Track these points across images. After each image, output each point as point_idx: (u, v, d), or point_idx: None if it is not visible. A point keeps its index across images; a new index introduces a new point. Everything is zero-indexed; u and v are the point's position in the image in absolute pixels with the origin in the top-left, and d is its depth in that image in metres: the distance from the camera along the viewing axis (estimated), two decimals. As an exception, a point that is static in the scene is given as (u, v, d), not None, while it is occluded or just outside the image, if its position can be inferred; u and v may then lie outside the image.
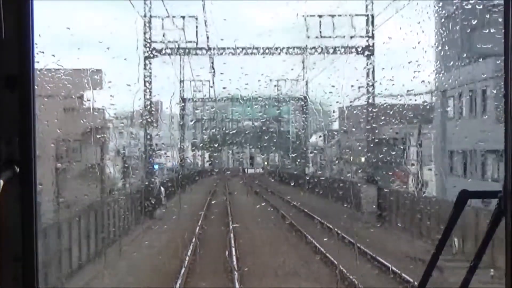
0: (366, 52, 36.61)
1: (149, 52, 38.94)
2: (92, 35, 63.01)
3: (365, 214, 31.43)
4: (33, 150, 2.78)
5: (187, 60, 48.60)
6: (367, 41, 36.44)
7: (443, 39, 33.71)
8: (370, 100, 36.19)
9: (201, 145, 65.82)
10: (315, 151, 57.18)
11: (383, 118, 40.22)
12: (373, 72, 35.92)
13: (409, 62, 29.09)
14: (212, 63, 41.01)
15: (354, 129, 46.76)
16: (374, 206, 31.49)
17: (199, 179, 62.66)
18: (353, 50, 36.41)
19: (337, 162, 51.32)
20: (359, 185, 35.18)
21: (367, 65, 36.18)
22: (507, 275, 2.72)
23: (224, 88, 50.02)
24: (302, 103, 52.09)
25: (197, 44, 39.71)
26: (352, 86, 35.42)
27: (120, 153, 43.60)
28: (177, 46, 39.15)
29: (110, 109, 35.93)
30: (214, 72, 41.86)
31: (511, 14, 2.70)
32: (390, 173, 41.10)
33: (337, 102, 40.11)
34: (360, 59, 37.36)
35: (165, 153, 53.77)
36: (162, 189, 36.98)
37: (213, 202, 43.62)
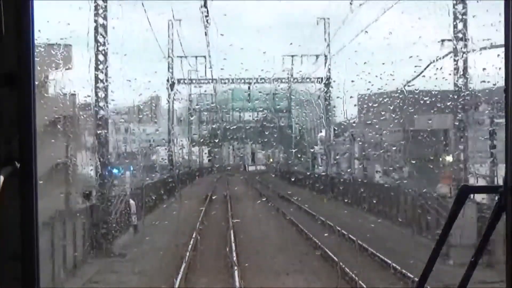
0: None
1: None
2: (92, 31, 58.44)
3: (462, 249, 17.42)
4: (33, 147, 2.65)
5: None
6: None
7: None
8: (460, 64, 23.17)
9: (201, 140, 60.05)
10: (335, 147, 44.50)
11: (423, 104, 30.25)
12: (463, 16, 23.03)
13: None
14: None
15: (382, 120, 35.59)
16: (474, 237, 18.29)
17: (196, 179, 53.04)
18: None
19: (369, 160, 38.73)
20: (436, 197, 22.68)
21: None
22: (508, 272, 2.57)
23: (224, 83, 47.52)
24: (321, 86, 40.11)
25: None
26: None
27: (96, 153, 32.38)
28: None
29: (110, 104, 31.86)
30: (207, 17, 31.10)
31: (511, 14, 2.55)
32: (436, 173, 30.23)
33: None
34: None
35: (158, 151, 48.76)
36: (132, 202, 24.81)
37: (209, 216, 30.94)
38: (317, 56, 39.64)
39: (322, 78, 39.30)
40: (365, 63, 31.32)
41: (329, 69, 38.41)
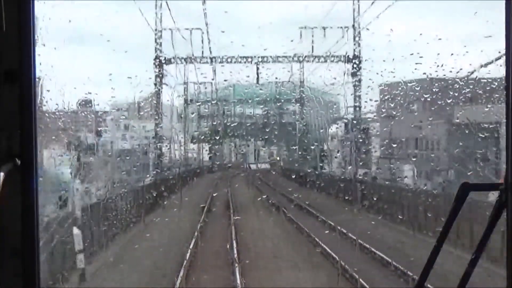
0: None
1: None
2: (94, 28, 59.16)
3: None
4: (34, 143, 2.59)
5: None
6: None
7: None
8: None
9: (202, 137, 55.78)
10: (355, 143, 36.90)
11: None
12: None
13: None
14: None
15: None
16: None
17: (194, 180, 46.91)
18: None
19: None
20: None
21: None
22: (508, 268, 2.47)
23: (225, 80, 45.75)
24: (352, 66, 32.64)
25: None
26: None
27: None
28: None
29: (110, 101, 30.80)
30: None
31: (511, 14, 2.46)
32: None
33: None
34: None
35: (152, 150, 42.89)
36: (77, 232, 16.30)
37: (205, 250, 20.23)
38: (345, 27, 32.59)
39: (351, 57, 31.83)
40: (366, 60, 30.96)
41: (359, 44, 31.18)
